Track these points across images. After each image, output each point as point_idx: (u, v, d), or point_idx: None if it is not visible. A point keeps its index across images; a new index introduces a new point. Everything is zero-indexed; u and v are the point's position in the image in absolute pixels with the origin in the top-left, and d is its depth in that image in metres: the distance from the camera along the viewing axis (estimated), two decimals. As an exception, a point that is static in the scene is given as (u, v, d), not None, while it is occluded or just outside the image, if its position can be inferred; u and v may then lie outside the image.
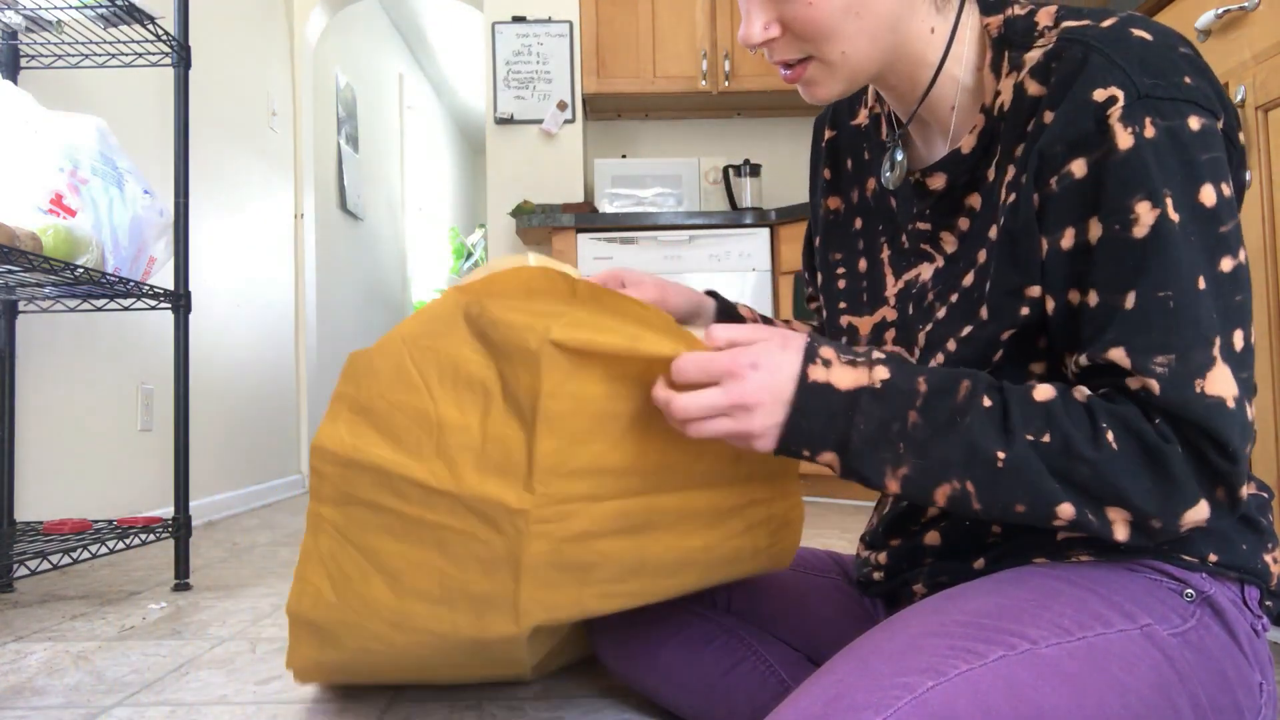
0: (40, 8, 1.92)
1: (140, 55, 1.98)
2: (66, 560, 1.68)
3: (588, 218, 3.31)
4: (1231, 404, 0.61)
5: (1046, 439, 0.63)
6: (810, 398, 0.66)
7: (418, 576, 0.82)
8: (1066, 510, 0.63)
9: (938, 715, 0.57)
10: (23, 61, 2.02)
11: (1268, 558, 0.72)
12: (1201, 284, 0.62)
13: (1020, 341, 0.72)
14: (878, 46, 0.73)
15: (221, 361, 3.15)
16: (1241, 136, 0.69)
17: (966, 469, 0.64)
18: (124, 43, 1.98)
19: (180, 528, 1.90)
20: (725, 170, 3.71)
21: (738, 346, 0.68)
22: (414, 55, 6.32)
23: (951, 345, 0.75)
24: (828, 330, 0.91)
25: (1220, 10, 1.32)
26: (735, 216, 3.32)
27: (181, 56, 1.96)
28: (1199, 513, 0.62)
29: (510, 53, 3.77)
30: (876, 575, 0.88)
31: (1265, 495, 0.75)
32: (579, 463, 0.76)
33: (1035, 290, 0.70)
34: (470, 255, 6.97)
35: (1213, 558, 0.70)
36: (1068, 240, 0.67)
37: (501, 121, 3.76)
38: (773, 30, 0.74)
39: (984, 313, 0.73)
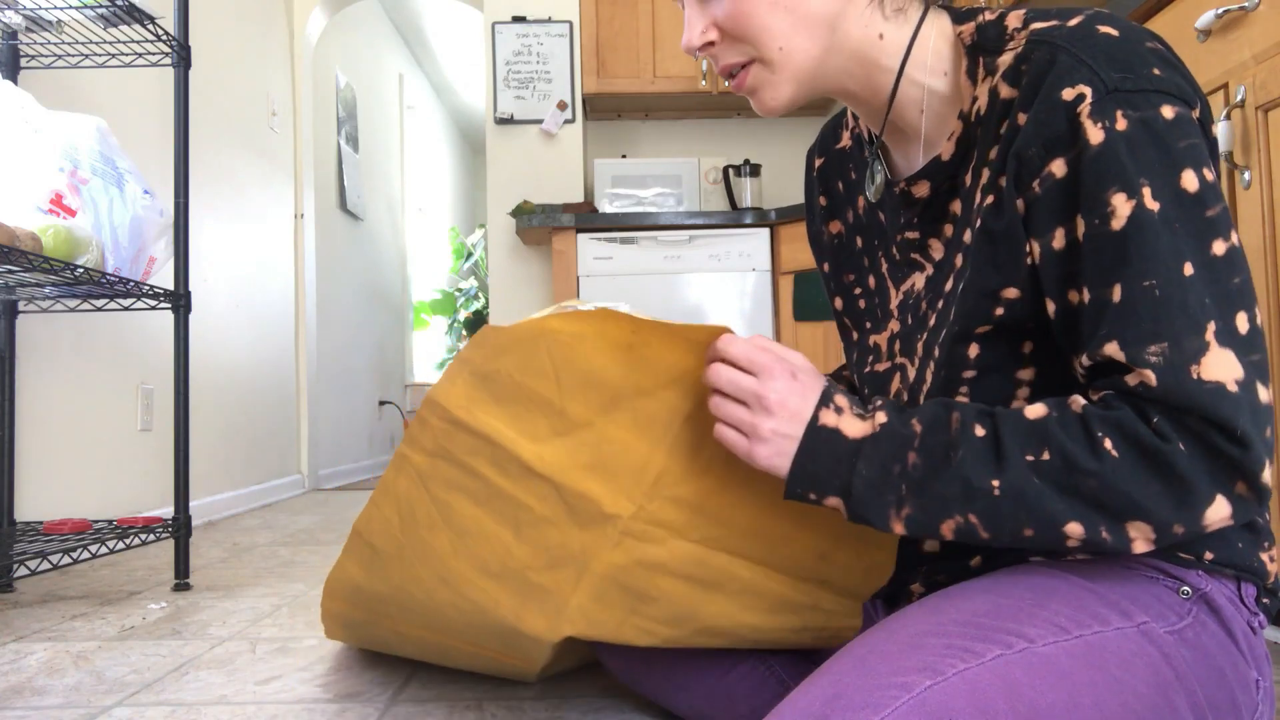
0: (40, 8, 1.92)
1: (140, 55, 1.98)
2: (66, 560, 1.68)
3: (588, 218, 3.32)
4: (1234, 387, 0.59)
5: (1046, 457, 0.62)
6: (817, 441, 0.68)
7: (483, 545, 0.82)
8: (1075, 529, 0.62)
9: (936, 714, 0.57)
10: (23, 61, 2.02)
11: (1264, 556, 0.72)
12: (1189, 269, 0.61)
13: (1002, 345, 0.72)
14: (816, 43, 0.74)
15: (221, 361, 3.16)
16: (1214, 130, 0.69)
17: (966, 503, 0.64)
18: (124, 43, 1.98)
19: (180, 528, 1.90)
20: (725, 170, 3.71)
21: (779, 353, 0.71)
22: (414, 55, 6.32)
23: (937, 352, 0.75)
24: (858, 352, 0.91)
25: (1220, 10, 1.32)
26: (735, 216, 3.32)
27: (181, 56, 1.96)
28: (1219, 510, 0.60)
29: (510, 53, 3.77)
30: (876, 575, 0.89)
31: (1263, 495, 0.75)
32: (683, 491, 0.77)
33: (1012, 292, 0.70)
34: (470, 255, 6.97)
35: (1209, 555, 0.70)
36: (1059, 241, 0.66)
37: (501, 121, 3.76)
38: (710, 34, 0.75)
39: (953, 313, 0.73)
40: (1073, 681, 0.61)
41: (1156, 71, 0.64)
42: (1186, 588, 0.69)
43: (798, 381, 0.69)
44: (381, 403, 5.27)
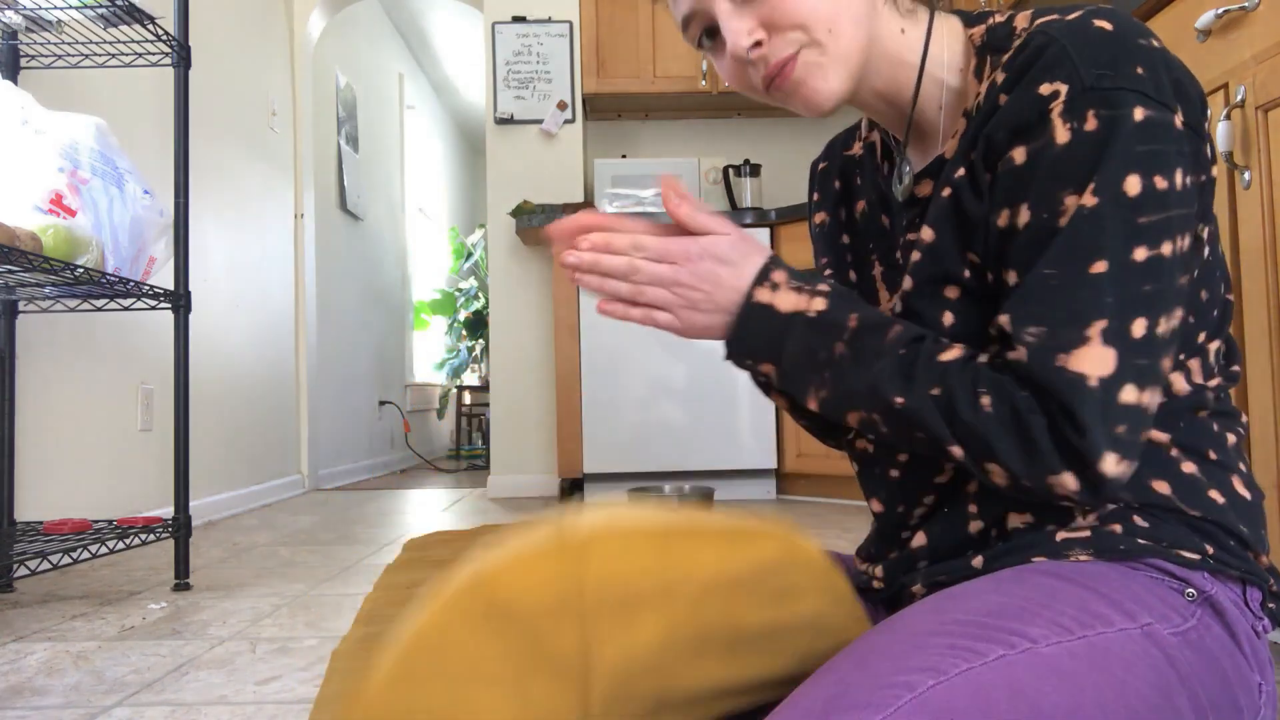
0: (40, 8, 1.92)
1: (140, 55, 1.98)
2: (66, 560, 1.68)
3: (588, 218, 3.31)
4: (1094, 382, 0.63)
5: (937, 392, 0.67)
6: (749, 318, 0.73)
7: None
8: (957, 452, 0.68)
9: (937, 714, 0.57)
10: (23, 61, 2.02)
11: (1264, 559, 0.72)
12: (1098, 268, 0.64)
13: (974, 317, 0.73)
14: (860, 29, 0.75)
15: (221, 361, 3.15)
16: (1206, 126, 0.70)
17: (870, 404, 0.70)
18: (124, 43, 1.98)
19: (180, 528, 1.90)
20: (725, 170, 3.71)
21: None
22: (414, 55, 6.32)
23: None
24: None
25: (1220, 10, 1.32)
26: (735, 216, 3.32)
27: (181, 56, 1.96)
28: (1064, 482, 0.65)
29: (510, 53, 3.77)
30: (876, 584, 0.89)
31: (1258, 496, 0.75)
32: (626, 710, 0.67)
33: (975, 256, 0.73)
34: (470, 255, 6.97)
35: (1210, 550, 0.70)
36: (1002, 220, 0.70)
37: (501, 121, 3.76)
38: (758, 34, 0.74)
39: (930, 274, 0.75)
40: (1076, 682, 0.61)
41: (1139, 70, 0.65)
42: (1191, 590, 0.69)
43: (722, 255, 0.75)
44: (381, 403, 5.27)
